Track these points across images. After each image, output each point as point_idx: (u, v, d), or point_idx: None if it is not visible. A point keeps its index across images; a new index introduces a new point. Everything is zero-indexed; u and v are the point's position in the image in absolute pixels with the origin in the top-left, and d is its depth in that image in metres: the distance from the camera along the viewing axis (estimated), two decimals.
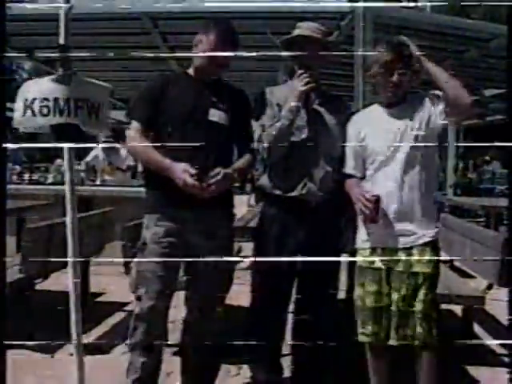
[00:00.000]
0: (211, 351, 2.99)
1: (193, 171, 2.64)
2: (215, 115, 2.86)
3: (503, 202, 7.60)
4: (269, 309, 3.08)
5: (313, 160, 3.03)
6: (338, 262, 3.20)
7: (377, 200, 2.72)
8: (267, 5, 5.77)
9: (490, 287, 3.77)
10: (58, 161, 15.42)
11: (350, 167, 2.97)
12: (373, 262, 2.84)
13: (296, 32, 3.09)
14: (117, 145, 9.13)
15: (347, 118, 3.06)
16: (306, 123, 3.04)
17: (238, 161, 2.93)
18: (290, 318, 3.19)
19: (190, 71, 2.99)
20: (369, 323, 2.84)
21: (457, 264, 5.09)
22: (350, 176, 2.96)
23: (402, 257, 2.77)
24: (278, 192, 3.08)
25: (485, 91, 10.30)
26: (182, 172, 2.66)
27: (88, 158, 9.10)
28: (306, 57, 3.03)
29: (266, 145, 2.97)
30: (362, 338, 2.88)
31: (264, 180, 3.15)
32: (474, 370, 3.67)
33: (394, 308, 2.77)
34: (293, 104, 2.96)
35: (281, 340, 3.19)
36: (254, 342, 3.03)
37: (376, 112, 2.95)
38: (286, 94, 3.05)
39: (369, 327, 2.84)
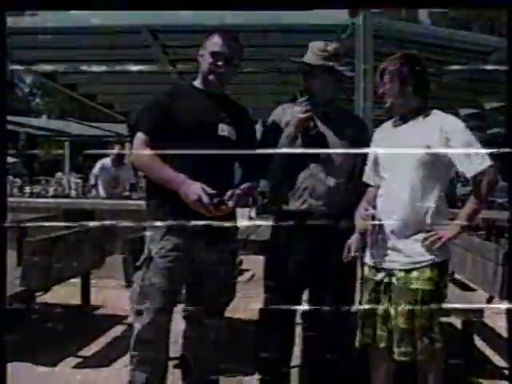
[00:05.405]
0: (211, 364, 2.99)
1: (209, 192, 2.61)
2: (224, 130, 2.84)
3: (504, 215, 7.58)
4: (278, 320, 3.08)
5: (313, 177, 3.03)
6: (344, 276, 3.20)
7: (372, 217, 2.74)
8: (267, 18, 5.79)
9: (490, 300, 3.75)
10: (59, 174, 15.42)
11: (366, 177, 3.02)
12: (375, 275, 2.84)
13: (304, 58, 3.07)
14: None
15: (361, 133, 3.10)
16: (304, 145, 3.03)
17: (246, 182, 2.82)
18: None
19: (197, 83, 2.95)
20: (369, 331, 2.84)
21: (457, 277, 5.07)
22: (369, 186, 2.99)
23: (401, 275, 2.74)
24: (283, 207, 3.10)
25: (485, 104, 10.32)
26: (198, 192, 2.60)
27: (95, 171, 8.43)
28: (310, 83, 3.07)
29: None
30: (361, 343, 2.88)
31: (272, 194, 3.23)
32: (474, 382, 3.65)
33: (393, 322, 2.75)
34: (290, 131, 3.01)
35: (290, 352, 3.20)
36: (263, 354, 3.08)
37: (389, 126, 2.95)
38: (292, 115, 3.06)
39: (369, 335, 2.84)
